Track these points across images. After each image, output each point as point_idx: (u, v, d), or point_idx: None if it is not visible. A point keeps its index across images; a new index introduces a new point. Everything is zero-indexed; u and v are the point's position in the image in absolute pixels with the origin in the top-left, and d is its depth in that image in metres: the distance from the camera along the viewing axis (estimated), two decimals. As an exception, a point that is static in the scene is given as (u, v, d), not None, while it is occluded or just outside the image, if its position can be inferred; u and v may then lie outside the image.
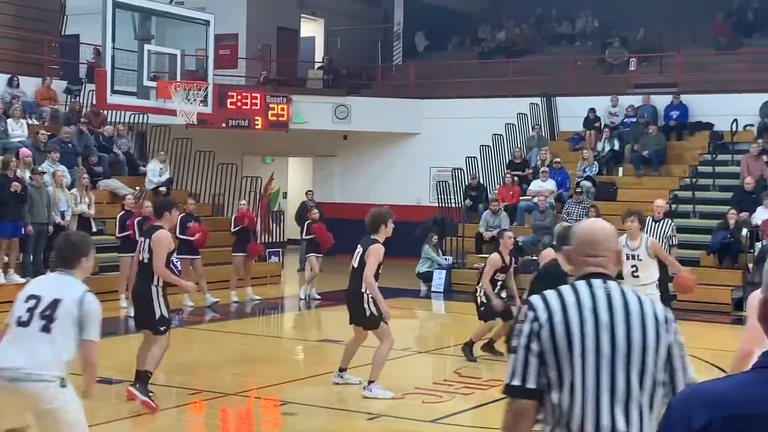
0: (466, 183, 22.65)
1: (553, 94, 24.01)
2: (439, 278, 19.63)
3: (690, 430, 1.96)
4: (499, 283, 11.72)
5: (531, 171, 22.02)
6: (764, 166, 19.61)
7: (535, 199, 20.28)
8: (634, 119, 22.63)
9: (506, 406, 3.42)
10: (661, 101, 22.84)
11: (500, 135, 23.55)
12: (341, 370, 10.14)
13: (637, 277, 10.65)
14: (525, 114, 23.74)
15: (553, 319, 3.34)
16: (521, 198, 21.11)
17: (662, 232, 15.12)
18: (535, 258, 18.78)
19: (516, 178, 21.74)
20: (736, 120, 21.32)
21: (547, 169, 21.27)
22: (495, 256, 11.73)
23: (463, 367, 11.40)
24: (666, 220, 16.22)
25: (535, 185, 21.02)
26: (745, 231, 17.79)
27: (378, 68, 28.62)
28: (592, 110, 23.09)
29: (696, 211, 19.94)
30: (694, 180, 20.71)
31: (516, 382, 3.36)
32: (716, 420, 1.94)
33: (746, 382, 1.99)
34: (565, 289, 3.43)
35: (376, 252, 9.40)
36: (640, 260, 10.68)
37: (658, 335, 3.35)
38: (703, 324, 15.33)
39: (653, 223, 16.09)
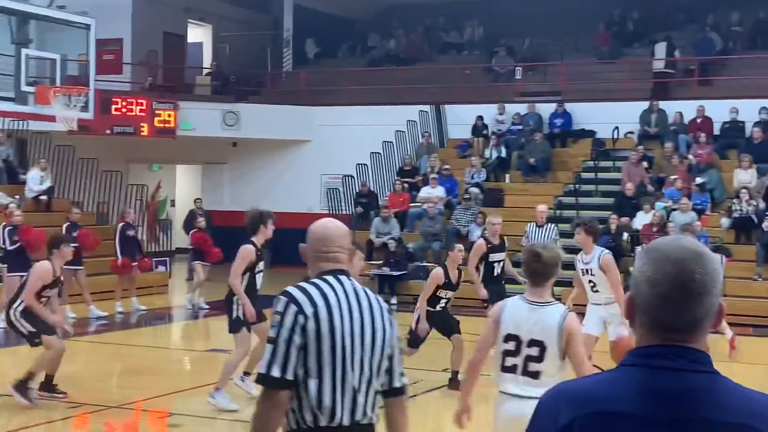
0: (357, 190, 22.70)
1: (442, 102, 24.28)
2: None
3: (555, 428, 1.97)
4: (443, 301, 10.46)
5: (421, 178, 22.22)
6: (644, 172, 20.21)
7: (425, 206, 20.45)
8: (521, 127, 23.06)
9: (260, 397, 3.60)
10: (545, 109, 23.33)
11: (390, 142, 23.68)
12: (245, 374, 9.87)
13: (597, 292, 9.81)
14: (415, 121, 23.94)
15: (318, 313, 3.57)
16: (411, 205, 21.26)
17: (545, 237, 15.46)
18: (425, 264, 18.99)
19: (406, 185, 21.90)
20: (617, 127, 21.93)
21: (436, 176, 21.49)
22: (438, 271, 10.44)
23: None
24: (549, 225, 16.57)
25: (424, 192, 21.21)
26: (626, 235, 18.30)
27: (267, 75, 28.47)
28: (480, 118, 23.43)
29: (579, 217, 20.38)
30: (577, 186, 21.21)
31: (275, 374, 3.53)
32: (579, 417, 1.95)
33: (610, 380, 2.01)
34: (321, 283, 3.66)
35: (243, 252, 9.25)
36: (593, 275, 9.73)
37: (390, 326, 3.76)
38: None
39: (537, 228, 16.41)
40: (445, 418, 9.92)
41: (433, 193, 21.00)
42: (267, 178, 25.94)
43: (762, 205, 18.23)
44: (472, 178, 21.64)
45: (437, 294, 10.34)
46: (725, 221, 18.53)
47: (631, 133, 22.12)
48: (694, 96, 22.30)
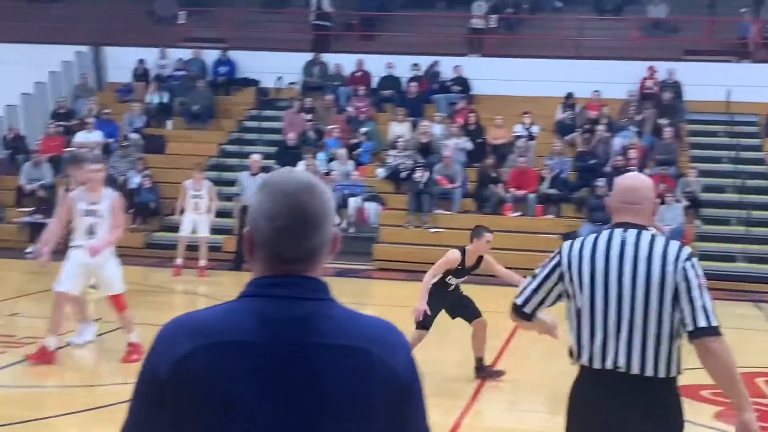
0: (4, 133, 21.21)
1: (100, 43, 23.23)
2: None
3: (174, 358, 1.94)
4: (451, 286, 9.00)
5: (77, 122, 21.17)
6: (305, 122, 20.57)
7: (81, 151, 19.50)
8: (184, 73, 22.62)
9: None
10: (210, 56, 23.05)
11: (43, 83, 22.34)
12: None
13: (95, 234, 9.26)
14: (71, 62, 22.72)
15: (571, 261, 3.83)
16: (65, 149, 20.21)
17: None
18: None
19: (60, 129, 20.77)
20: (280, 77, 22.12)
21: (93, 120, 20.57)
22: (454, 254, 8.83)
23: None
24: (262, 174, 16.56)
25: (80, 136, 20.24)
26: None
27: None
28: (141, 62, 22.70)
29: (243, 165, 20.42)
30: (241, 135, 21.19)
31: (519, 302, 4.01)
32: (198, 348, 1.94)
33: (228, 311, 2.01)
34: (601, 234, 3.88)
35: None
36: (101, 217, 9.29)
37: (663, 274, 3.67)
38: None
39: (250, 177, 16.42)
40: (94, 369, 9.59)
41: (89, 137, 20.09)
42: None
43: (415, 156, 19.19)
44: (132, 123, 20.96)
45: (445, 278, 8.88)
46: (381, 171, 19.34)
47: (294, 83, 22.42)
48: (353, 50, 22.97)
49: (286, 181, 2.04)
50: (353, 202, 18.31)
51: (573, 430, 3.86)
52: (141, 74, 22.71)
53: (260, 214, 2.02)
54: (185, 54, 23.10)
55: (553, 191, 18.34)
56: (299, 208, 2.00)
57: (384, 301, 14.88)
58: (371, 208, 18.37)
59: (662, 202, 17.17)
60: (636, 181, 3.91)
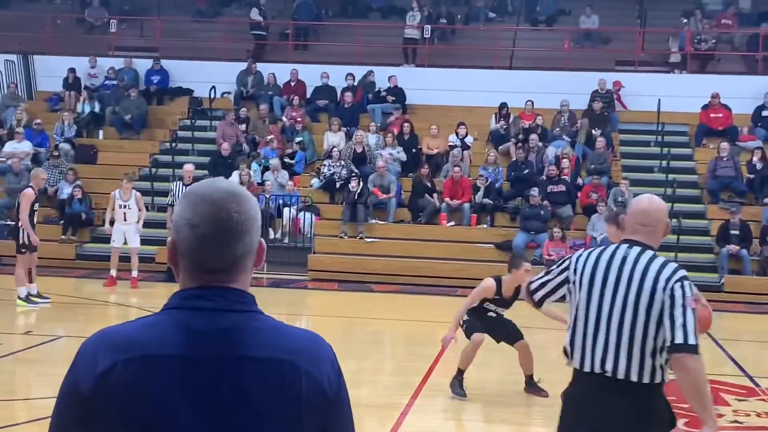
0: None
1: (30, 52, 22.82)
2: None
3: (95, 372, 1.90)
4: (491, 313, 8.88)
5: (6, 131, 20.75)
6: (239, 131, 20.42)
7: (10, 162, 19.14)
8: (115, 82, 22.32)
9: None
10: (142, 65, 22.78)
11: (-29, 92, 21.87)
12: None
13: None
14: (0, 71, 22.30)
15: (577, 268, 4.21)
16: (-6, 159, 19.81)
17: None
18: (9, 223, 17.79)
19: (-11, 139, 20.34)
20: (214, 87, 21.94)
21: (22, 129, 20.18)
22: (489, 283, 8.73)
23: None
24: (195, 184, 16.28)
25: (9, 146, 19.84)
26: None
27: None
28: (72, 70, 22.35)
29: (176, 175, 20.20)
30: (174, 144, 20.96)
31: (532, 287, 4.51)
32: (120, 362, 1.90)
33: (152, 324, 1.97)
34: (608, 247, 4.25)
35: None
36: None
37: (653, 292, 3.94)
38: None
39: (183, 187, 16.26)
40: (17, 382, 9.38)
41: (19, 147, 19.69)
42: None
43: (349, 166, 19.17)
44: (63, 133, 20.61)
45: (484, 305, 8.82)
46: (316, 182, 19.27)
47: (228, 93, 22.27)
48: (288, 59, 22.89)
49: (209, 189, 2.00)
50: (288, 212, 18.21)
51: (565, 428, 4.16)
52: (72, 83, 22.34)
53: (182, 222, 1.98)
54: (117, 63, 22.80)
55: (487, 201, 18.45)
56: (222, 215, 1.96)
57: (319, 311, 14.80)
58: (306, 218, 18.28)
59: (595, 212, 17.39)
60: (649, 204, 4.18)
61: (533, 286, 4.51)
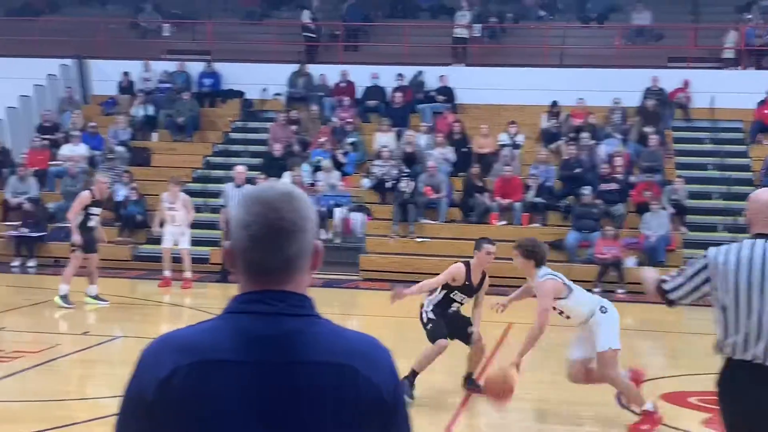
0: (-9, 147, 21.13)
1: (85, 56, 23.19)
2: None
3: (158, 378, 1.92)
4: (455, 305, 8.64)
5: (62, 135, 21.11)
6: (291, 133, 20.57)
7: (66, 165, 19.48)
8: (169, 85, 22.60)
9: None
10: (194, 68, 23.03)
11: (28, 97, 22.28)
12: None
13: (568, 318, 7.91)
14: (55, 76, 22.68)
15: (717, 265, 4.44)
16: (51, 163, 20.16)
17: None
18: (66, 225, 18.10)
19: (46, 142, 20.71)
20: (265, 89, 22.11)
21: (78, 133, 20.52)
22: (458, 267, 8.47)
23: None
24: (247, 185, 16.63)
25: (66, 150, 20.19)
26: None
27: None
28: (126, 74, 22.67)
29: (228, 177, 20.39)
30: (226, 146, 21.16)
31: (667, 287, 4.64)
32: (181, 367, 1.92)
33: (212, 329, 1.98)
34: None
35: None
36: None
37: None
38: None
39: (235, 188, 16.49)
40: (77, 382, 9.55)
41: (75, 151, 20.04)
42: None
43: (400, 166, 19.19)
44: (118, 136, 20.92)
45: (451, 295, 8.52)
46: (366, 182, 19.34)
47: (279, 94, 22.42)
48: (338, 61, 23.00)
49: (263, 191, 2.02)
50: (339, 213, 18.30)
51: (729, 415, 4.45)
52: (126, 87, 22.67)
53: (238, 224, 2.00)
54: (170, 66, 23.08)
55: (538, 200, 18.37)
56: (273, 215, 1.98)
57: (370, 311, 14.86)
58: (357, 218, 18.35)
59: (648, 210, 17.23)
60: None
61: (667, 287, 4.66)
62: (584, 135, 19.47)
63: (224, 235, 16.64)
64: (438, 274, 8.65)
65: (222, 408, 1.90)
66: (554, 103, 20.68)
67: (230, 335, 1.95)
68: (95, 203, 13.51)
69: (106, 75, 23.07)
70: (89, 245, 13.40)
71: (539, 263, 7.78)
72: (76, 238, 13.28)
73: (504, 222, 18.26)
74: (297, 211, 2.00)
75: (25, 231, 18.16)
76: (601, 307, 7.75)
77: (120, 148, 20.50)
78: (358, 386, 1.94)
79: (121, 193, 18.96)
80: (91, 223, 13.50)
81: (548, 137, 20.33)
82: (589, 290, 9.42)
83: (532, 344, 7.58)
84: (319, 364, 1.93)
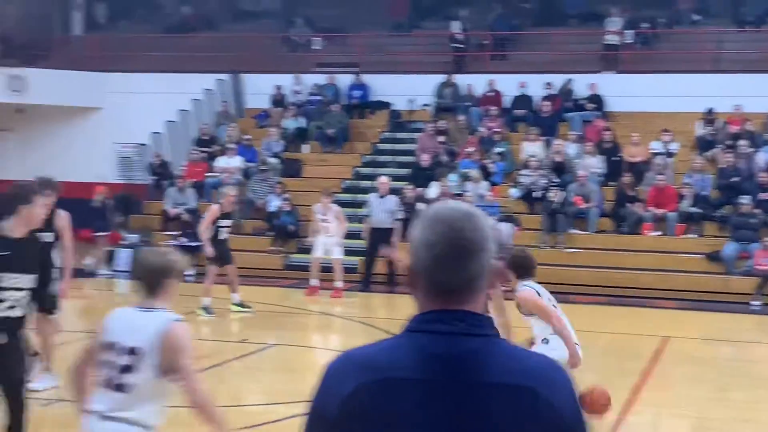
0: (151, 160, 22.08)
1: (239, 71, 23.92)
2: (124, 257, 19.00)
3: (342, 395, 1.96)
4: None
5: (219, 148, 21.84)
6: (439, 144, 20.64)
7: (222, 176, 20.15)
8: (319, 97, 23.06)
9: None
10: (343, 80, 23.42)
11: (187, 111, 23.15)
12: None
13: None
14: (212, 90, 23.49)
15: None
16: (208, 174, 20.88)
17: (386, 207, 16.15)
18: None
19: (203, 155, 21.48)
20: (413, 100, 22.29)
21: (234, 145, 21.19)
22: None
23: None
24: (390, 196, 16.95)
25: (222, 162, 20.88)
26: (420, 205, 18.64)
27: (55, 39, 27.12)
28: (278, 88, 23.27)
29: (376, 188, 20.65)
30: (374, 157, 21.44)
31: None
32: (364, 385, 1.95)
33: (393, 347, 2.01)
34: None
35: None
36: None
37: None
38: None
39: (379, 199, 16.81)
40: (242, 388, 9.84)
41: (230, 163, 20.71)
42: (56, 145, 24.73)
43: (548, 176, 19.00)
44: (270, 148, 21.49)
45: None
46: (514, 191, 19.22)
47: (427, 105, 22.55)
48: (485, 70, 22.95)
49: (444, 210, 2.04)
50: (487, 223, 18.23)
51: None
52: (278, 100, 23.27)
53: (419, 243, 2.02)
54: (320, 79, 23.55)
55: (694, 209, 17.85)
56: (455, 234, 1.99)
57: (519, 322, 14.71)
58: (505, 228, 18.24)
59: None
60: None
61: None
62: (742, 142, 18.82)
63: (367, 245, 16.85)
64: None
65: (403, 425, 1.92)
66: (709, 110, 20.06)
67: (411, 354, 1.97)
68: (225, 216, 13.92)
69: (259, 89, 23.72)
70: (223, 257, 13.80)
71: (522, 276, 7.57)
72: (209, 251, 13.73)
73: (658, 233, 17.82)
74: (478, 230, 2.02)
75: (183, 241, 18.84)
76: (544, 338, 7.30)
77: (273, 160, 21.04)
78: (537, 408, 1.93)
79: (274, 203, 19.45)
80: (222, 236, 13.91)
81: (703, 145, 19.72)
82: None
83: (571, 342, 7.26)
84: (499, 386, 1.93)
